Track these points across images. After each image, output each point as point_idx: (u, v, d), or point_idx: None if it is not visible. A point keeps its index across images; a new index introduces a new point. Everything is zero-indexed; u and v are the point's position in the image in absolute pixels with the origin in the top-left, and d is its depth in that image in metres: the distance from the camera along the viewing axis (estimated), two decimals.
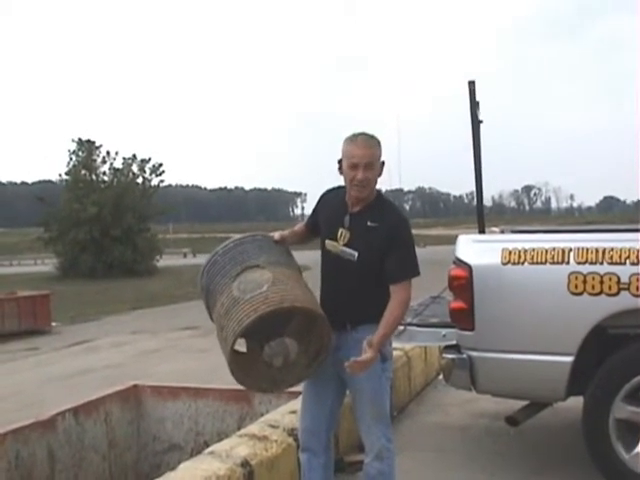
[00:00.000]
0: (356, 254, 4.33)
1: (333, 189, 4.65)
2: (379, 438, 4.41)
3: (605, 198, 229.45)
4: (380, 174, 4.41)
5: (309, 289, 4.43)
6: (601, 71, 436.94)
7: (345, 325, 4.37)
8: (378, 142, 4.38)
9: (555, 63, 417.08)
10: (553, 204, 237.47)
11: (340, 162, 4.41)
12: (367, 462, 4.46)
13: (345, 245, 4.37)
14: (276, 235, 4.67)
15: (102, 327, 20.34)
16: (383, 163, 4.41)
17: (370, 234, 4.32)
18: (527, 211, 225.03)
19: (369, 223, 4.34)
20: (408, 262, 4.35)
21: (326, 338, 4.27)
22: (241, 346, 4.27)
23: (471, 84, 6.51)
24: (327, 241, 4.47)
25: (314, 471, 4.56)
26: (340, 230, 4.40)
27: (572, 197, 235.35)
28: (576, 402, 5.71)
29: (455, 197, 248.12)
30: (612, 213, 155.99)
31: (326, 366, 4.39)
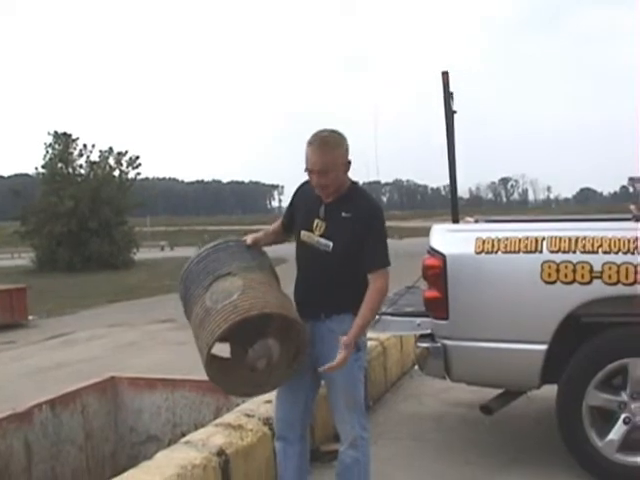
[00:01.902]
0: (331, 244, 4.35)
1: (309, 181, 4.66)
2: (353, 427, 4.43)
3: (582, 190, 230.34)
4: (346, 170, 4.41)
5: (281, 291, 4.46)
6: (580, 64, 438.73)
7: (319, 315, 4.40)
8: (337, 144, 4.35)
9: (533, 56, 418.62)
10: (530, 196, 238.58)
11: None
12: (342, 451, 4.49)
13: (321, 236, 4.39)
14: (249, 239, 4.65)
15: (79, 320, 20.21)
16: (349, 162, 4.40)
17: (345, 224, 4.34)
18: (504, 203, 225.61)
19: (343, 214, 4.35)
20: (382, 251, 4.37)
21: (302, 338, 4.30)
22: (224, 352, 4.30)
23: (445, 75, 6.55)
24: (302, 232, 4.48)
25: (289, 459, 4.59)
26: (316, 221, 4.42)
27: (549, 189, 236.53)
28: (550, 390, 5.76)
29: (432, 189, 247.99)
30: (589, 204, 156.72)
31: None
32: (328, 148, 4.30)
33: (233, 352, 4.38)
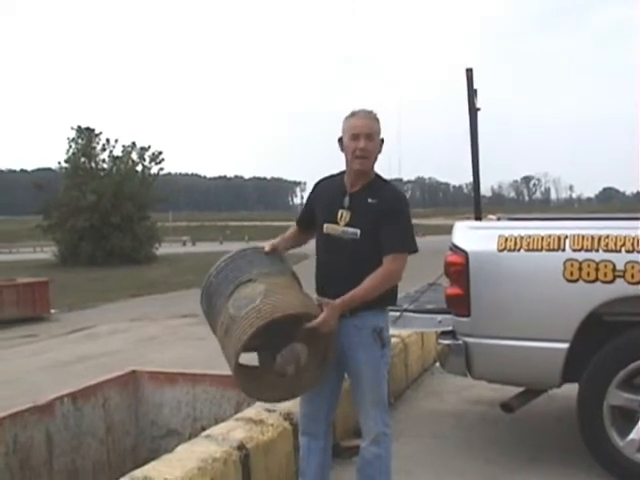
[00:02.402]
0: (358, 232, 4.32)
1: (327, 177, 4.67)
2: (377, 423, 4.43)
3: (605, 189, 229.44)
4: (380, 150, 4.45)
5: (303, 292, 4.43)
6: (602, 62, 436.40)
7: (344, 311, 4.34)
8: (377, 117, 4.44)
9: (556, 53, 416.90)
10: (552, 195, 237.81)
11: (340, 140, 4.45)
12: (364, 446, 4.48)
13: (346, 225, 4.36)
14: (267, 247, 4.58)
15: (101, 314, 20.33)
16: (382, 140, 4.46)
17: (370, 210, 4.32)
18: (526, 202, 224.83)
19: (369, 200, 4.34)
20: (402, 235, 4.35)
21: (329, 336, 4.28)
22: (253, 361, 4.31)
23: (469, 72, 6.53)
24: (326, 225, 4.44)
25: (313, 454, 4.59)
26: (340, 212, 4.40)
27: (571, 188, 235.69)
28: (571, 389, 5.73)
29: (454, 187, 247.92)
30: (612, 204, 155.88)
31: None
32: (372, 116, 4.43)
33: (261, 360, 4.38)
